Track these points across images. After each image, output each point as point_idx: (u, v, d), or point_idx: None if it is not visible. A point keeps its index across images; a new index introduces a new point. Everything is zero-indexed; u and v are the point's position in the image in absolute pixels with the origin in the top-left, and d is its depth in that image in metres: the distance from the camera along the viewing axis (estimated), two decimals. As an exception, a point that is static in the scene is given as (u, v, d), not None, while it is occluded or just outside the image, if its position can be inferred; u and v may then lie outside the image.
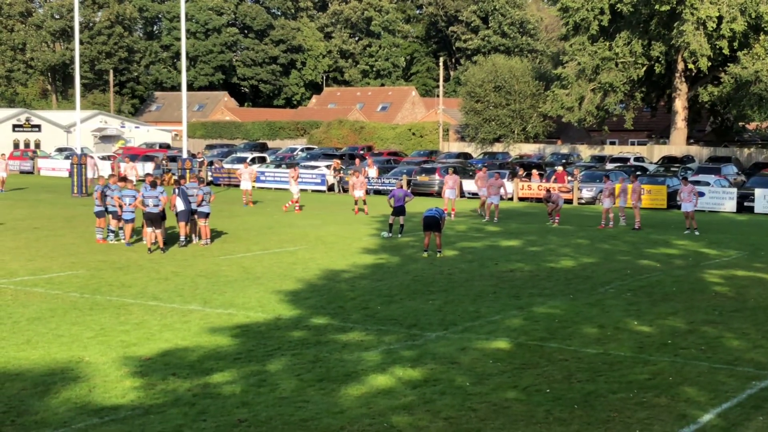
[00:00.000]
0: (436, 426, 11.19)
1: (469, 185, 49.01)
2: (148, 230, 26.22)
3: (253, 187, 46.00)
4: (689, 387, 12.91)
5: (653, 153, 66.76)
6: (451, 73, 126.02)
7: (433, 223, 25.83)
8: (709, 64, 59.08)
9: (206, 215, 27.87)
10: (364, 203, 39.44)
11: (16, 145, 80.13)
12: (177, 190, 27.38)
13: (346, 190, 51.90)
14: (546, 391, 12.66)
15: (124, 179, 29.67)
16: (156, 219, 26.13)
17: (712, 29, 57.29)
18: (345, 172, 53.17)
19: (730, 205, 42.96)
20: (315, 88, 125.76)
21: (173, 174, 38.91)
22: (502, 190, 37.23)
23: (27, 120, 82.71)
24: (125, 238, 27.57)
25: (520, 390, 12.71)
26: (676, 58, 62.74)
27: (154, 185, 26.69)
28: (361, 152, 67.73)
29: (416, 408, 11.87)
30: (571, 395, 12.45)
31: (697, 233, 32.54)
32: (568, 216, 37.70)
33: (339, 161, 56.15)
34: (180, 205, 27.05)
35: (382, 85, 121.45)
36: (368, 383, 12.96)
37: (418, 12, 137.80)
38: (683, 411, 11.84)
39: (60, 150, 74.16)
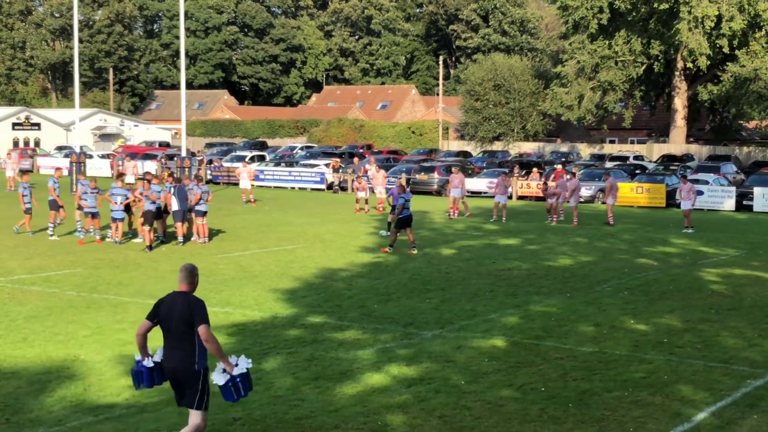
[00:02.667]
0: (430, 424, 11.20)
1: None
2: (145, 228, 26.26)
3: (252, 185, 46.06)
4: (684, 385, 12.92)
5: (653, 151, 66.75)
6: (451, 71, 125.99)
7: (409, 220, 26.43)
8: (708, 63, 59.07)
9: (204, 214, 27.88)
10: (366, 202, 39.56)
11: (15, 144, 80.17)
12: (173, 189, 27.35)
13: (344, 188, 51.91)
14: (541, 389, 12.66)
15: (119, 176, 29.65)
16: (150, 217, 26.17)
17: (710, 28, 57.28)
18: (344, 171, 53.18)
19: (729, 203, 42.96)
20: (315, 86, 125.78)
21: (171, 171, 38.90)
22: (510, 190, 37.60)
23: (27, 118, 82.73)
24: (117, 236, 27.51)
25: (515, 388, 12.71)
26: (675, 57, 62.73)
27: (149, 184, 26.74)
28: (361, 150, 67.73)
29: (411, 406, 11.88)
30: (565, 394, 12.45)
31: (691, 231, 32.62)
32: (566, 215, 37.67)
33: (338, 160, 56.14)
34: (175, 205, 27.05)
35: (382, 83, 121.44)
36: (363, 382, 12.97)
37: (418, 10, 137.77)
38: (678, 410, 11.84)
39: (60, 148, 74.17)
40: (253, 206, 41.56)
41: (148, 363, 9.64)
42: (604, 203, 35.48)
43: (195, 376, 9.43)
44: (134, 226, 28.73)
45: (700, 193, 41.95)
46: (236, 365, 9.57)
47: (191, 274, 9.63)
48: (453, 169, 40.93)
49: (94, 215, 27.99)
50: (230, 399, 9.59)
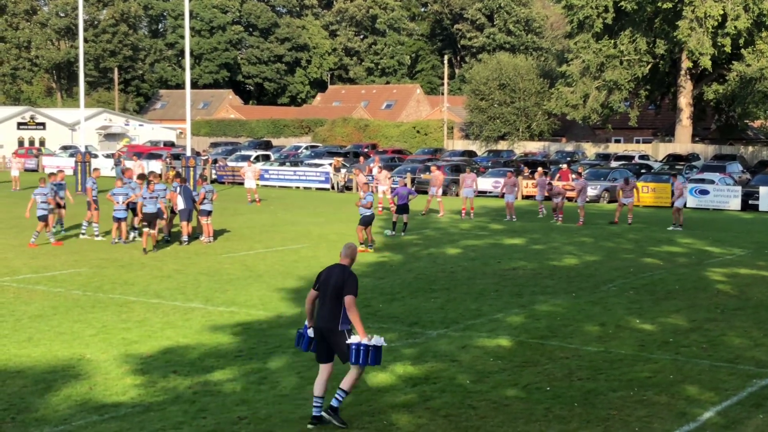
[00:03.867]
0: (435, 423, 11.19)
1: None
2: (144, 230, 26.10)
3: (258, 185, 46.10)
4: (690, 385, 12.89)
5: (658, 151, 66.64)
6: (456, 71, 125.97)
7: (371, 219, 26.76)
8: (711, 62, 58.90)
9: (209, 213, 27.88)
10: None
11: (20, 143, 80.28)
12: (179, 188, 27.34)
13: (349, 188, 51.88)
14: (546, 389, 12.65)
15: (140, 177, 29.48)
16: (150, 219, 25.97)
17: (713, 27, 57.17)
18: (349, 170, 53.13)
19: (734, 203, 42.88)
20: (320, 86, 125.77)
21: (176, 170, 38.95)
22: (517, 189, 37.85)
23: (32, 118, 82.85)
24: (121, 237, 27.36)
25: (520, 388, 12.70)
26: (680, 56, 62.63)
27: (150, 185, 26.60)
28: (365, 150, 67.73)
29: (416, 406, 11.87)
30: (571, 393, 12.43)
31: (670, 228, 32.88)
32: (572, 214, 37.64)
33: (340, 159, 56.05)
34: (181, 204, 27.05)
35: (387, 83, 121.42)
36: (368, 381, 12.96)
37: (423, 10, 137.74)
38: (683, 409, 11.82)
39: (65, 148, 74.27)
40: (258, 206, 41.59)
41: (311, 331, 11.13)
42: (621, 203, 35.28)
43: (339, 334, 10.86)
44: (138, 225, 28.57)
45: (705, 192, 42.17)
46: (371, 338, 10.88)
47: (352, 251, 11.26)
48: (432, 167, 40.64)
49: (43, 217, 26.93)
50: (350, 359, 10.85)
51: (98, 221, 29.01)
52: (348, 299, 10.71)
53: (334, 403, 10.99)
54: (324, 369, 11.07)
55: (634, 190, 35.89)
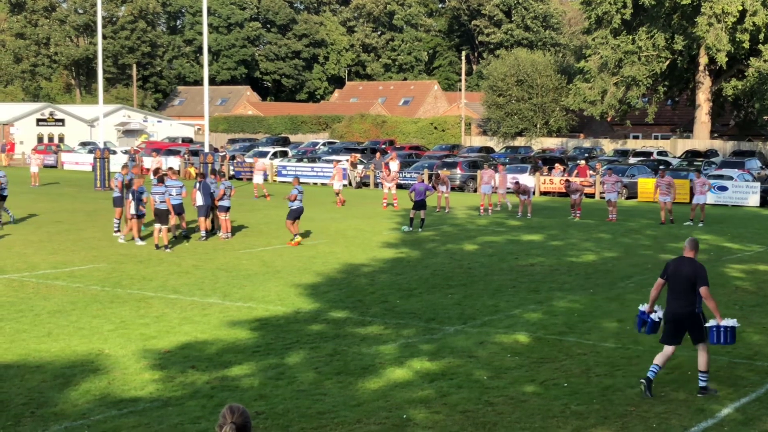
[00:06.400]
0: (452, 419, 11.19)
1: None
2: (155, 226, 26.05)
3: (274, 180, 46.17)
4: (708, 382, 12.83)
5: (676, 147, 66.37)
6: (474, 67, 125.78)
7: (299, 212, 26.78)
8: (727, 58, 58.59)
9: (227, 209, 27.95)
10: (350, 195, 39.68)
11: (39, 139, 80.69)
12: (198, 185, 27.45)
13: (366, 184, 51.89)
14: (564, 385, 12.64)
15: (156, 171, 29.49)
16: (162, 215, 25.89)
17: (732, 23, 56.88)
18: (366, 167, 53.14)
19: (753, 199, 42.67)
20: (337, 82, 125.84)
21: (195, 167, 39.16)
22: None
23: (51, 114, 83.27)
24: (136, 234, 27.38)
25: (537, 384, 12.69)
26: (698, 52, 62.34)
27: (161, 180, 26.59)
28: (383, 146, 67.72)
29: (433, 401, 11.88)
30: (588, 389, 12.42)
31: (695, 223, 33.05)
32: (589, 210, 37.57)
33: (357, 155, 56.03)
34: (199, 200, 27.13)
35: (405, 79, 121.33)
36: (386, 376, 12.98)
37: (440, 6, 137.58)
38: (701, 405, 11.79)
39: (83, 144, 74.59)
40: (267, 200, 41.81)
41: (655, 316, 12.68)
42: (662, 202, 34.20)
43: (696, 317, 12.14)
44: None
45: (723, 188, 42.03)
46: (725, 320, 12.24)
47: (696, 244, 12.48)
48: (440, 173, 40.70)
49: None
50: (711, 340, 12.26)
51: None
52: (703, 290, 11.96)
53: (701, 384, 12.26)
54: (669, 349, 12.30)
55: (670, 187, 33.99)
